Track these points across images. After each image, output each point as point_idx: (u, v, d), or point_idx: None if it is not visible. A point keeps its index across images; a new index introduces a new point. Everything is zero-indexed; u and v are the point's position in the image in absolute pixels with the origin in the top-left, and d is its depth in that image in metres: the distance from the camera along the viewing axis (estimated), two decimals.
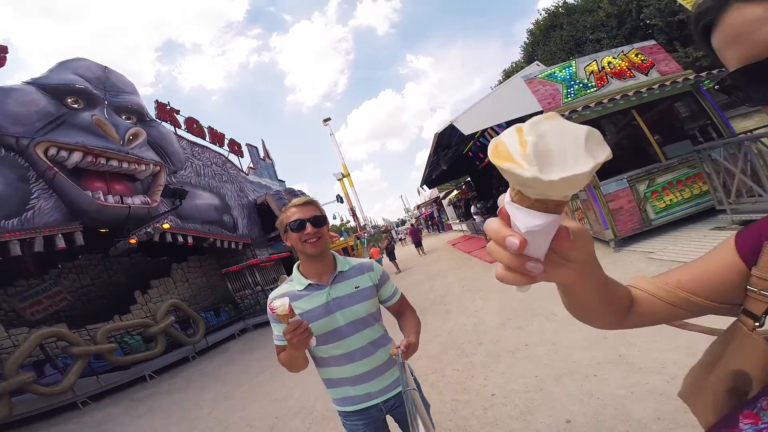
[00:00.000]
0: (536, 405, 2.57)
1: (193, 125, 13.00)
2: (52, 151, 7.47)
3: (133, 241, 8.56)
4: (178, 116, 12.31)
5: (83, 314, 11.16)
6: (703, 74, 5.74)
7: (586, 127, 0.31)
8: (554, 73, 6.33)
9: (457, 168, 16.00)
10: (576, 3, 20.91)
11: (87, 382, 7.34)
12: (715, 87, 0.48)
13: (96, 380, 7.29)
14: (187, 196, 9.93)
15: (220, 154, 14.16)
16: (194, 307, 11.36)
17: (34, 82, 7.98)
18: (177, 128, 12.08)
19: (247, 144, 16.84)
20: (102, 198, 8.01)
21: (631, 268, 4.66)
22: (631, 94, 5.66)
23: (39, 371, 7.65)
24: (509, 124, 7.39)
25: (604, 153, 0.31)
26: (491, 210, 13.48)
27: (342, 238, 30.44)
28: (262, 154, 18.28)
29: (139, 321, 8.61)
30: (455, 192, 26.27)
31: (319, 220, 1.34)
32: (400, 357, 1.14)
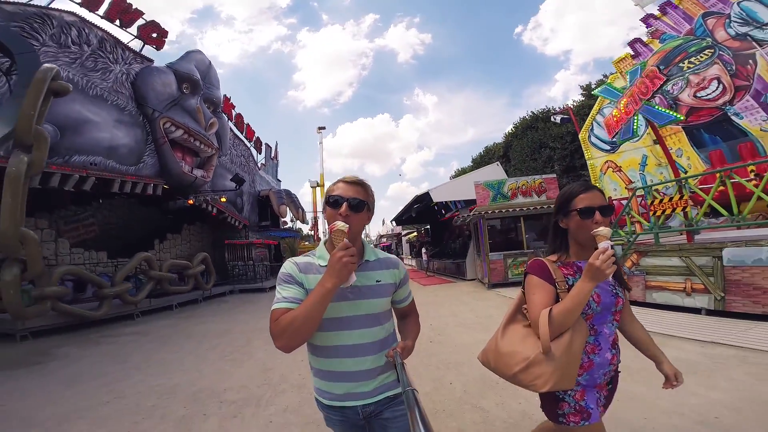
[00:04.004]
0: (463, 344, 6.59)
1: (239, 120, 16.50)
2: (167, 125, 10.74)
3: (190, 202, 11.72)
4: (233, 111, 15.83)
5: (105, 247, 13.32)
6: None
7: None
8: (491, 183, 10.96)
9: (422, 217, 20.70)
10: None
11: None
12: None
13: (148, 301, 9.86)
14: (217, 176, 13.14)
15: (248, 147, 17.61)
16: None
17: (171, 67, 11.21)
18: (230, 120, 15.51)
19: (266, 143, 20.35)
20: (183, 166, 11.28)
21: (494, 299, 8.94)
22: (521, 209, 10.39)
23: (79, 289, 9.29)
24: (467, 203, 12.11)
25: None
26: (437, 255, 17.92)
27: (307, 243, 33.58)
28: (273, 155, 21.78)
29: (185, 263, 11.31)
30: (414, 234, 31.08)
31: (359, 205, 1.18)
32: (398, 357, 1.14)
